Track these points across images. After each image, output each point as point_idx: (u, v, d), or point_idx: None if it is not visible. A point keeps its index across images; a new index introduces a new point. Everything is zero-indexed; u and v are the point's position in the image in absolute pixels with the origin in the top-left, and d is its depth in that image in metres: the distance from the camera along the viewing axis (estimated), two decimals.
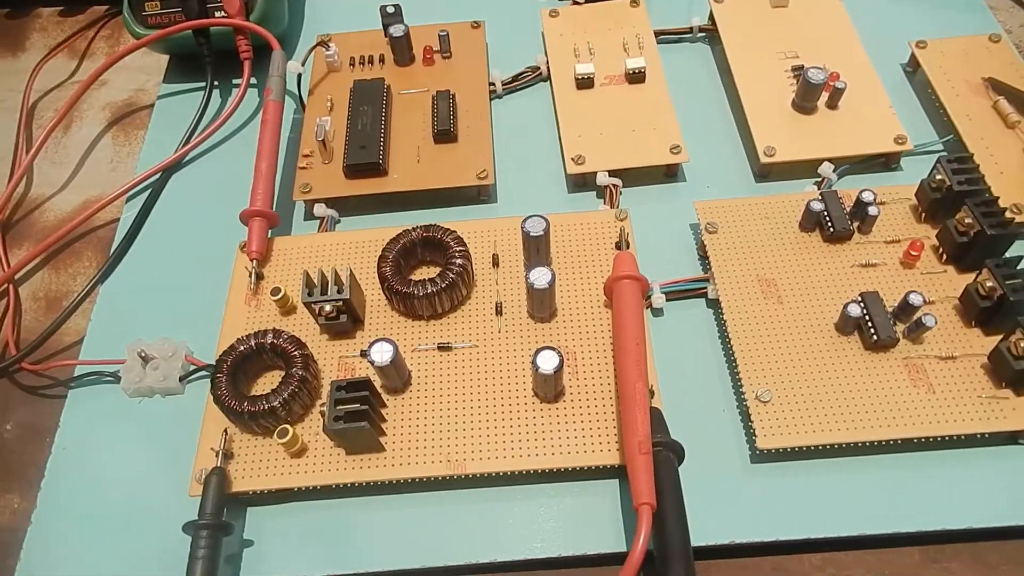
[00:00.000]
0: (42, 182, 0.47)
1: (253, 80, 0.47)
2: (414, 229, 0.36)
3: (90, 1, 0.56)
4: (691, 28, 0.49)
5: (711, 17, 0.48)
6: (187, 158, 0.45)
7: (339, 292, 0.33)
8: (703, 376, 0.35)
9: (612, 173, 0.41)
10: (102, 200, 0.42)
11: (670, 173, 0.42)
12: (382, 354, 0.31)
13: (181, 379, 0.36)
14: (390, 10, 0.47)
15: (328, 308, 0.33)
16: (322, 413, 0.31)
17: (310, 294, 0.34)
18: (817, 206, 0.36)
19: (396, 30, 0.45)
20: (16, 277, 0.42)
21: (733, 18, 0.47)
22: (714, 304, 0.37)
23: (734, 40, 0.45)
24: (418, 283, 0.34)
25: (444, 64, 0.47)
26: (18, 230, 0.44)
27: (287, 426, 0.31)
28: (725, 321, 0.34)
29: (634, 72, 0.44)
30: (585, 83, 0.44)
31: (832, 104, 0.42)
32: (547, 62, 0.47)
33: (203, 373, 0.36)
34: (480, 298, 0.36)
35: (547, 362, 0.30)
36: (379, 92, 0.44)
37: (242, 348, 0.33)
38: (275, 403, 0.31)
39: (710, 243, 0.37)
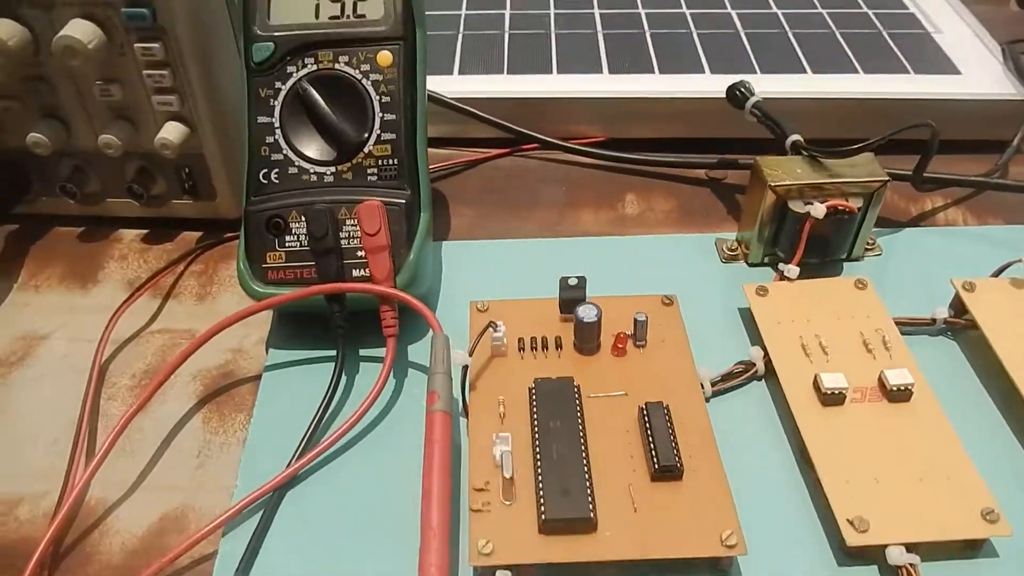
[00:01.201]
0: (105, 478, 0.35)
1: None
2: None
3: (180, 225, 0.47)
4: (932, 319, 0.39)
5: (955, 306, 0.39)
6: (308, 467, 0.34)
7: None
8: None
9: (908, 547, 0.30)
10: (190, 534, 0.31)
11: (974, 544, 0.31)
12: None
13: None
14: (572, 282, 0.37)
15: None
16: None
17: None
18: None
19: (587, 313, 0.36)
20: None
21: (995, 311, 0.38)
22: None
23: (1005, 339, 0.36)
24: None
25: (638, 355, 0.37)
26: (68, 566, 0.32)
27: None
28: None
29: (898, 389, 0.34)
30: (834, 399, 0.34)
31: None
32: (765, 357, 0.37)
33: None
34: None
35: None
36: (570, 399, 0.34)
37: None
38: None
39: None
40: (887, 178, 0.41)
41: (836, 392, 0.34)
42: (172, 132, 0.42)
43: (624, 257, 0.44)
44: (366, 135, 0.39)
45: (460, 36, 0.59)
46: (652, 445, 0.32)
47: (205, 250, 0.46)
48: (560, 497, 0.30)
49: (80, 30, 0.39)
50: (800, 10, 0.62)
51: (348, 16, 0.39)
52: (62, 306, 0.43)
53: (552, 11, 0.62)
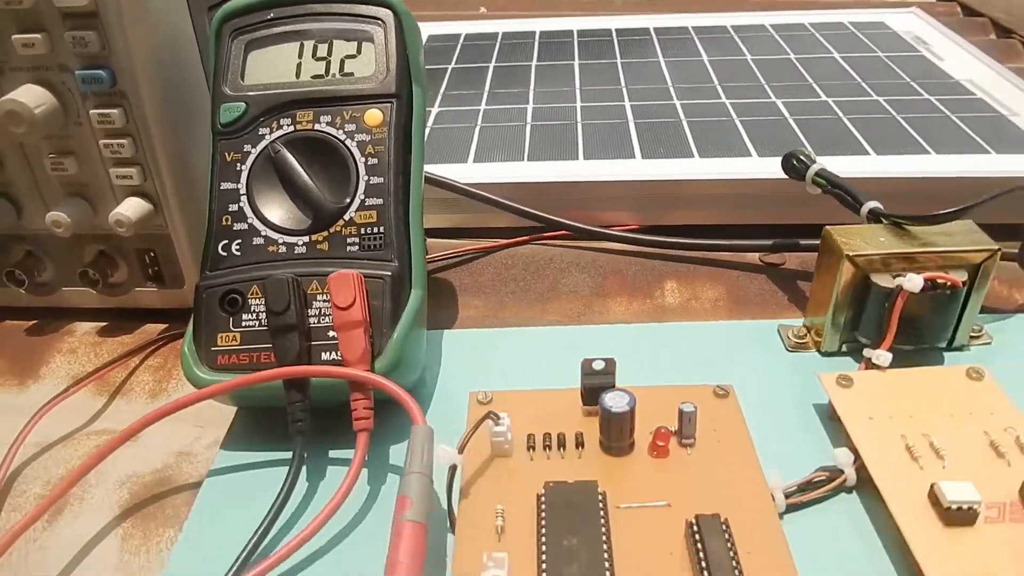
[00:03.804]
0: None
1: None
2: None
3: (143, 316, 0.41)
4: None
5: None
6: None
7: None
8: None
9: None
10: None
11: None
12: None
13: None
14: (598, 365, 0.29)
15: None
16: None
17: None
18: None
19: (616, 402, 0.27)
20: None
21: None
22: None
23: None
24: None
25: (684, 457, 0.28)
26: None
27: None
28: None
29: None
30: (961, 517, 0.25)
31: None
32: (856, 463, 0.28)
33: None
34: None
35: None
36: (593, 509, 0.25)
37: None
38: None
39: None
40: (996, 247, 0.33)
41: (965, 507, 0.25)
42: (130, 208, 0.36)
43: (664, 346, 0.36)
44: (347, 200, 0.32)
45: (477, 128, 0.54)
46: (706, 572, 0.23)
47: (167, 342, 0.39)
48: None
49: (27, 95, 0.34)
50: (853, 97, 0.56)
51: (334, 75, 0.34)
52: None
53: (579, 103, 0.57)
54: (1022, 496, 0.25)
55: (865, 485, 0.28)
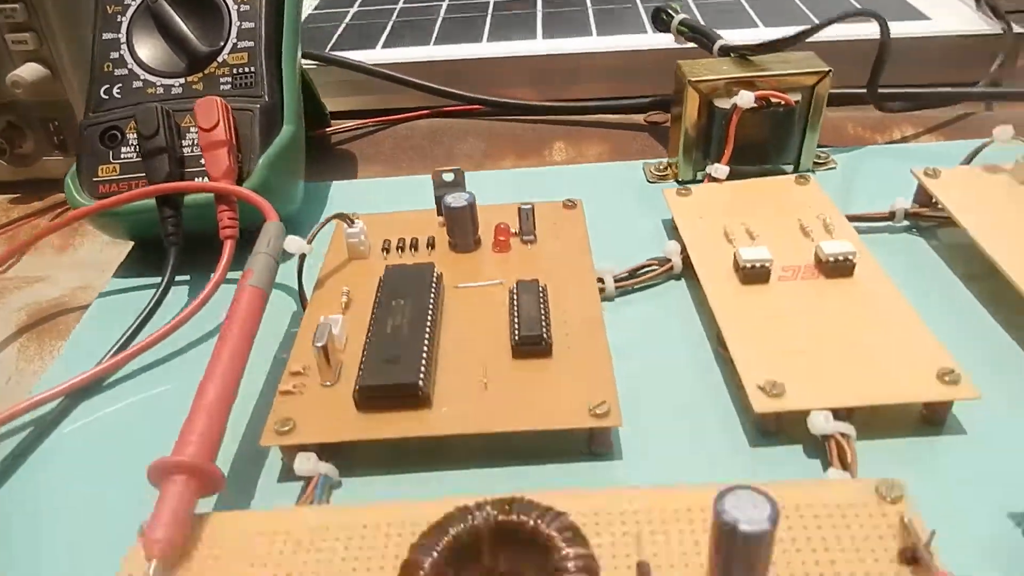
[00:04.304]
0: None
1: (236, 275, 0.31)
2: (480, 507, 0.17)
3: (52, 186, 0.43)
4: (891, 213, 0.33)
5: (919, 195, 0.33)
6: (112, 379, 0.28)
7: None
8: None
9: (836, 417, 0.22)
10: None
11: (933, 419, 0.24)
12: None
13: None
14: (447, 177, 0.32)
15: None
16: None
17: None
18: None
19: (456, 200, 0.30)
20: None
21: (961, 195, 0.31)
22: None
23: (981, 223, 0.29)
24: None
25: (525, 251, 0.31)
26: None
27: None
28: None
29: (836, 260, 0.27)
30: (756, 275, 0.27)
31: None
32: (682, 251, 0.31)
33: None
34: None
35: None
36: (424, 282, 0.27)
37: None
38: None
39: None
40: (827, 68, 0.35)
41: (757, 266, 0.27)
42: (27, 71, 0.38)
43: (540, 185, 0.39)
44: (221, 43, 0.35)
45: (392, 19, 0.56)
46: (517, 317, 0.25)
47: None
48: (383, 364, 0.24)
49: None
50: None
51: None
52: None
53: None
54: (816, 259, 0.28)
55: (690, 272, 0.30)
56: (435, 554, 0.17)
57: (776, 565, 0.17)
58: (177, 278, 0.32)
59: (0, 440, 0.26)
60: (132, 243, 0.36)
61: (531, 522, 0.17)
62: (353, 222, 0.30)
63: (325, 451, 0.23)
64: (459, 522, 0.17)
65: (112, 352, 0.28)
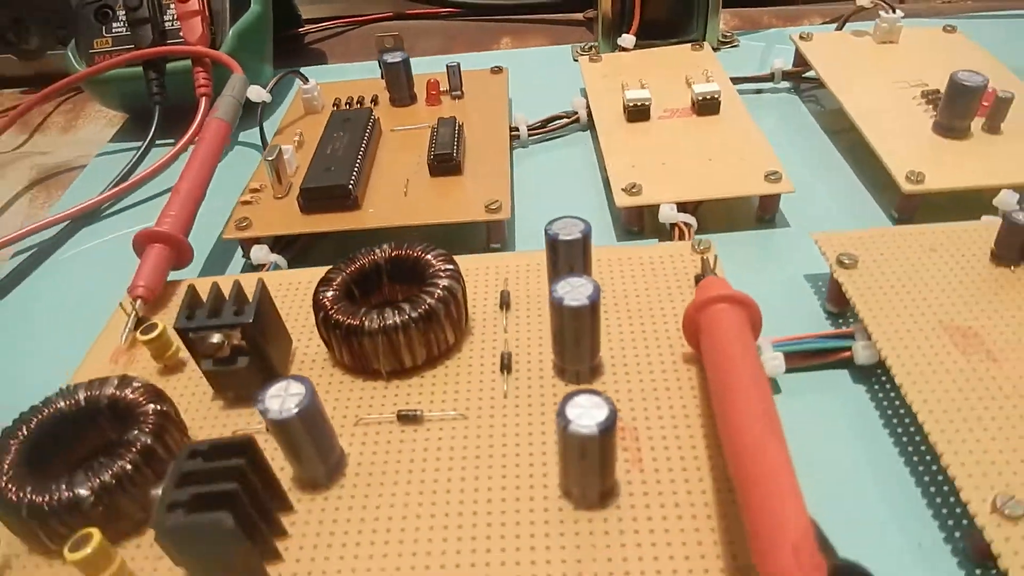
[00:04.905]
0: None
1: None
2: (379, 246, 0.23)
3: (59, 78, 0.48)
4: (771, 74, 0.38)
5: (797, 59, 0.38)
6: (109, 210, 0.34)
7: (237, 315, 0.20)
8: (860, 484, 0.20)
9: (683, 210, 0.28)
10: None
11: (765, 215, 0.29)
12: (285, 400, 0.17)
13: None
14: (388, 43, 0.37)
15: (216, 339, 0.20)
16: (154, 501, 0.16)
17: (190, 317, 0.20)
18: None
19: (391, 56, 0.35)
20: None
21: (828, 56, 0.36)
22: (865, 373, 0.23)
23: (838, 76, 0.34)
24: (374, 312, 0.21)
25: (453, 105, 0.36)
26: None
27: (92, 531, 0.16)
28: (902, 394, 0.20)
29: (705, 99, 0.33)
30: (639, 113, 0.33)
31: (993, 126, 0.30)
32: (587, 104, 0.36)
33: None
34: (476, 349, 0.22)
35: (586, 416, 0.16)
36: (362, 121, 0.33)
37: (60, 405, 0.19)
38: (83, 490, 0.17)
39: (849, 282, 0.23)
40: None
41: (639, 104, 0.33)
42: None
43: (480, 65, 0.44)
44: None
45: None
46: (434, 143, 0.31)
47: (77, 92, 0.47)
48: (322, 172, 0.29)
49: None
50: None
51: None
52: None
53: None
54: (691, 103, 0.33)
55: (593, 123, 0.35)
56: (343, 275, 0.22)
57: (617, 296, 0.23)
58: (160, 142, 0.38)
59: (17, 255, 0.32)
60: (126, 118, 0.42)
61: (415, 253, 0.23)
62: (307, 80, 0.36)
63: (276, 244, 0.29)
64: (365, 256, 0.23)
65: (106, 188, 0.34)
